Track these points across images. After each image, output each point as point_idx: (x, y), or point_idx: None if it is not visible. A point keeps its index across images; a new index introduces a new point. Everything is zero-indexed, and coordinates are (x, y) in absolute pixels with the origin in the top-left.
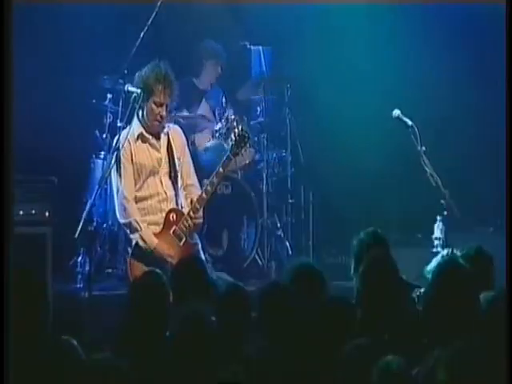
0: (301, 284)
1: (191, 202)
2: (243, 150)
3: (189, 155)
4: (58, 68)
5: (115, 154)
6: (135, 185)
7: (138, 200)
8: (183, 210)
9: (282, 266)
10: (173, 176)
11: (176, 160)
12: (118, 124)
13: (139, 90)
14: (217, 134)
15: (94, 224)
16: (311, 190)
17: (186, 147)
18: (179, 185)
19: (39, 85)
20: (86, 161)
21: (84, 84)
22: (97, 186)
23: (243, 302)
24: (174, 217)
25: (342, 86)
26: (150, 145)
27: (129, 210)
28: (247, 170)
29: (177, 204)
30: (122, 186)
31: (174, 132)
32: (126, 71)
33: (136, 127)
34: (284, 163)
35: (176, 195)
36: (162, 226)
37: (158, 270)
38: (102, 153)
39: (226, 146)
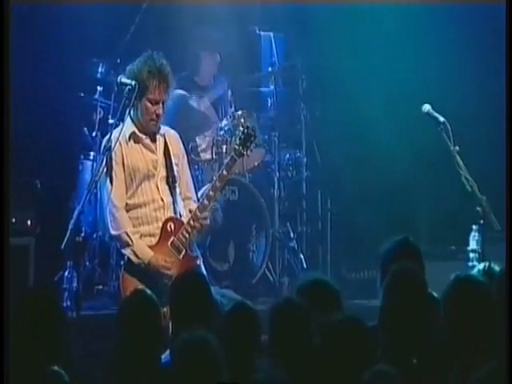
0: (313, 303)
1: (190, 211)
2: (249, 150)
3: (187, 165)
4: (38, 54)
5: (106, 154)
6: (127, 191)
7: (130, 208)
8: (182, 218)
9: (296, 282)
10: (170, 181)
11: (174, 166)
12: (110, 121)
13: (134, 82)
14: (221, 133)
15: (83, 234)
16: (329, 195)
17: (185, 156)
18: (177, 191)
19: (17, 74)
20: (74, 162)
21: (70, 74)
22: (86, 191)
23: (251, 323)
24: (172, 227)
25: (364, 78)
26: (144, 145)
27: (119, 221)
28: (256, 172)
29: (175, 212)
30: (111, 193)
31: (171, 135)
32: (118, 60)
33: (128, 126)
34: (298, 165)
35: (174, 202)
36: (158, 238)
37: (146, 289)
38: (92, 153)
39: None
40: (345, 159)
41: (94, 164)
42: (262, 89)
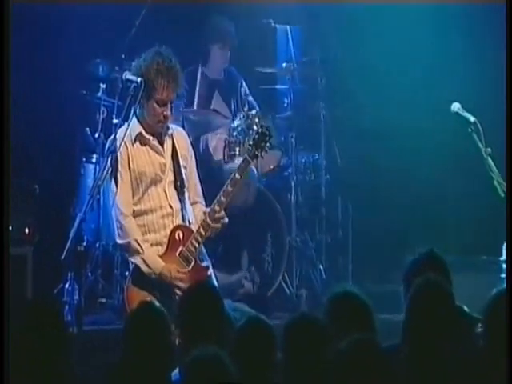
0: (343, 319)
1: (204, 213)
2: (264, 151)
3: (195, 167)
4: (37, 51)
5: (110, 156)
6: (133, 197)
7: (136, 215)
8: (191, 226)
9: (315, 295)
10: (179, 186)
11: (182, 168)
12: (114, 120)
13: (140, 79)
14: (234, 133)
15: (85, 243)
16: (350, 201)
17: (193, 157)
18: (186, 197)
19: (16, 71)
20: (75, 165)
21: (71, 72)
22: (88, 197)
23: (266, 339)
24: (181, 235)
25: (388, 75)
26: (152, 147)
27: (127, 228)
28: (272, 176)
29: (183, 219)
30: (117, 198)
31: (179, 135)
32: (123, 55)
33: (134, 127)
34: (317, 168)
35: (183, 209)
36: (165, 247)
37: (154, 301)
38: (94, 155)
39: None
40: (367, 162)
41: (97, 167)
42: (278, 86)
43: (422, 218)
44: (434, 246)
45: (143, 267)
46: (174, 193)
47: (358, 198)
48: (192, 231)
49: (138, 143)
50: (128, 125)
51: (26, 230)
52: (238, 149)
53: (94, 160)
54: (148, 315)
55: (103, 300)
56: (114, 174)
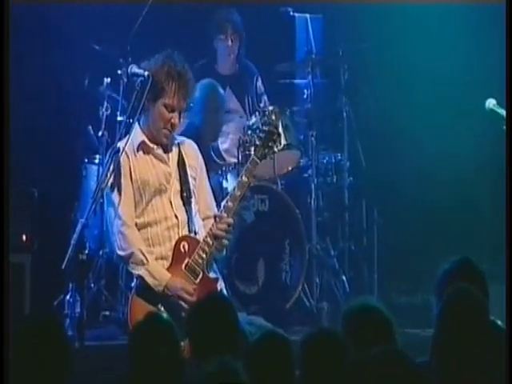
0: (361, 334)
1: (214, 220)
2: (272, 151)
3: (207, 179)
4: (36, 45)
5: (112, 166)
6: (136, 209)
7: (139, 227)
8: (197, 236)
9: (337, 308)
10: (185, 196)
11: (190, 179)
12: (119, 118)
13: (147, 73)
14: (249, 132)
15: (87, 251)
16: (376, 205)
17: (204, 168)
18: (193, 207)
19: (15, 66)
20: (76, 166)
21: (72, 66)
22: (90, 201)
23: (283, 355)
24: (186, 247)
25: (417, 68)
26: (155, 156)
27: (130, 239)
28: (290, 178)
29: (190, 231)
30: (119, 210)
31: (188, 147)
32: (128, 47)
33: (136, 135)
34: (339, 170)
35: (189, 220)
36: (170, 260)
37: (162, 313)
38: (97, 156)
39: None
40: (394, 163)
41: (100, 169)
42: (297, 80)
43: (455, 223)
44: (468, 254)
45: (148, 279)
46: (180, 203)
47: (384, 202)
48: (198, 242)
49: (140, 152)
50: (129, 135)
51: (24, 237)
52: (253, 149)
53: (96, 161)
54: (155, 327)
55: (107, 313)
56: (117, 181)
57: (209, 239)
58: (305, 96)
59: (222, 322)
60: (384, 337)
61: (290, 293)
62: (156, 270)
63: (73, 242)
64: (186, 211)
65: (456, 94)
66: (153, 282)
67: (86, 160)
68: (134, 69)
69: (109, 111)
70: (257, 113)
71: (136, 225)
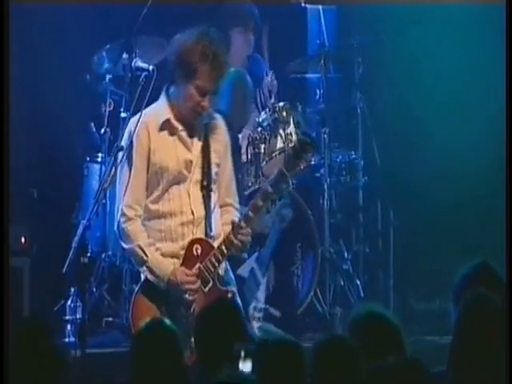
0: (368, 341)
1: (231, 224)
2: (304, 164)
3: (231, 161)
4: (37, 36)
5: (119, 154)
6: (151, 193)
7: (152, 216)
8: (214, 241)
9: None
10: (206, 188)
11: (213, 166)
12: (122, 114)
13: (151, 67)
14: (259, 129)
15: (89, 254)
16: (392, 206)
17: (229, 152)
18: (213, 202)
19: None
20: (78, 165)
21: (73, 58)
22: (92, 201)
23: (295, 362)
24: (199, 251)
25: (437, 62)
26: (180, 139)
27: (129, 232)
28: (302, 178)
29: (206, 231)
30: (125, 194)
31: (216, 125)
32: (132, 40)
33: (162, 110)
34: (353, 169)
35: (207, 217)
36: (181, 261)
37: (164, 319)
38: (100, 154)
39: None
40: (411, 161)
41: (103, 167)
42: (309, 75)
43: (475, 226)
44: (489, 257)
45: (150, 276)
46: (199, 195)
47: (400, 202)
48: (212, 247)
49: (165, 132)
50: (157, 105)
51: (23, 240)
52: (263, 146)
53: (99, 159)
54: (157, 334)
55: (110, 319)
56: (127, 163)
57: (224, 247)
58: (317, 91)
59: (231, 328)
60: (392, 345)
61: (301, 298)
62: (156, 265)
63: (74, 244)
64: (205, 206)
65: (478, 90)
66: (154, 279)
67: (88, 158)
68: (139, 63)
69: (112, 107)
70: (267, 109)
71: (150, 211)
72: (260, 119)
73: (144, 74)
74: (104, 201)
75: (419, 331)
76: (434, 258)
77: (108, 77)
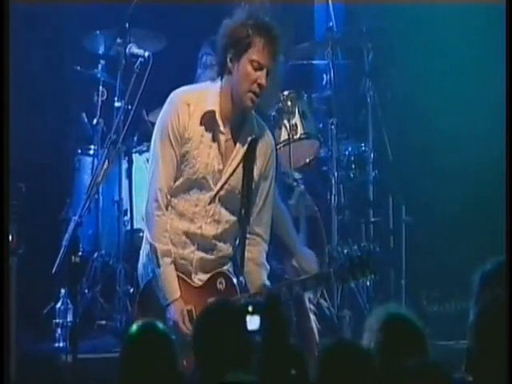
0: (388, 345)
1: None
2: (350, 281)
3: (273, 189)
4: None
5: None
6: (174, 182)
7: (166, 204)
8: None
9: (360, 317)
10: (229, 210)
11: (246, 188)
12: (116, 104)
13: (147, 53)
14: None
15: (80, 253)
16: (403, 202)
17: (273, 177)
18: (232, 227)
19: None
20: (68, 158)
21: (63, 44)
22: (84, 197)
23: (302, 367)
24: (223, 287)
25: (450, 49)
26: (217, 141)
27: (156, 226)
28: (308, 172)
29: (211, 253)
30: (157, 173)
31: (265, 141)
32: (127, 25)
33: (211, 96)
34: (363, 162)
35: (217, 239)
36: (201, 283)
37: (157, 322)
38: (92, 146)
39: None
40: (424, 155)
41: (95, 161)
42: (316, 62)
43: (491, 223)
44: (506, 257)
45: (155, 284)
46: (217, 213)
47: (412, 198)
48: (235, 293)
49: (203, 126)
50: (207, 86)
51: (9, 238)
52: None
53: (91, 152)
54: (149, 339)
55: (103, 322)
56: (161, 143)
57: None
58: (324, 79)
59: (230, 330)
60: (415, 350)
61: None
62: (166, 282)
63: (64, 242)
64: (224, 224)
65: (495, 80)
66: (157, 289)
67: (80, 151)
68: (133, 49)
69: (105, 97)
70: None
71: (172, 192)
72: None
73: (139, 60)
74: (96, 196)
75: (433, 336)
76: (448, 257)
77: (101, 63)
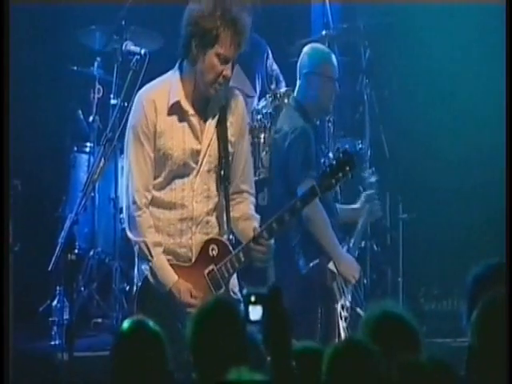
0: (382, 343)
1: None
2: (339, 183)
3: (248, 143)
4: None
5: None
6: (156, 178)
7: (154, 203)
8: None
9: (357, 315)
10: (216, 181)
11: (227, 154)
12: (112, 101)
13: (143, 50)
14: (258, 116)
15: (76, 250)
16: (401, 200)
17: (247, 130)
18: (223, 197)
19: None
20: (64, 156)
21: (59, 41)
22: (80, 194)
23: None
24: (215, 252)
25: (448, 46)
26: (189, 125)
27: (137, 224)
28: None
29: (208, 229)
30: (133, 179)
31: (235, 104)
32: (123, 22)
33: (173, 87)
34: (360, 160)
35: (212, 214)
36: (194, 259)
37: (145, 320)
38: (88, 144)
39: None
40: (421, 152)
41: (91, 158)
42: None
43: (489, 221)
44: (502, 255)
45: (151, 278)
46: (206, 189)
47: (410, 196)
48: (229, 252)
49: (173, 116)
50: (170, 78)
51: (9, 238)
52: (263, 136)
53: (87, 149)
54: (139, 337)
55: (99, 320)
56: (135, 144)
57: (241, 255)
58: None
59: (228, 329)
60: (408, 348)
61: None
62: (161, 270)
63: (60, 240)
64: (211, 201)
65: (495, 76)
66: (155, 282)
67: (76, 149)
68: (130, 46)
69: (101, 94)
70: (267, 95)
71: (152, 198)
72: (259, 106)
73: (136, 57)
74: (92, 194)
75: (430, 333)
76: (447, 254)
77: (97, 61)
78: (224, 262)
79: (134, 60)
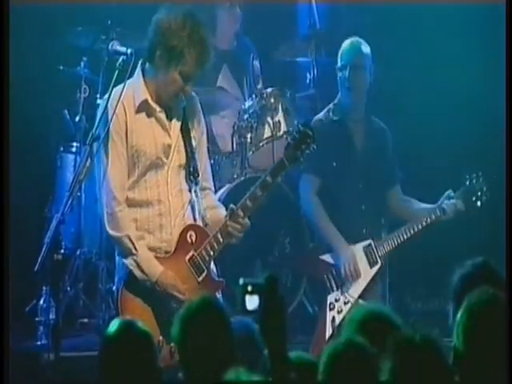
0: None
1: (229, 212)
2: (302, 157)
3: (205, 145)
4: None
5: (104, 120)
6: (128, 178)
7: (129, 204)
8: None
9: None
10: (187, 175)
11: (193, 150)
12: (98, 101)
13: (130, 50)
14: (245, 116)
15: (63, 250)
16: None
17: (205, 132)
18: (194, 189)
19: None
20: (50, 156)
21: (45, 41)
22: (66, 194)
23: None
24: (194, 238)
25: (437, 43)
26: (158, 121)
27: (119, 219)
28: (291, 169)
29: (186, 221)
30: (109, 176)
31: (194, 108)
32: (109, 21)
33: (139, 88)
34: None
35: (187, 206)
36: (173, 248)
37: (136, 321)
38: (74, 143)
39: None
40: (422, 153)
41: (78, 158)
42: (299, 59)
43: (477, 220)
44: (488, 256)
45: (136, 272)
46: (179, 183)
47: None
48: (207, 235)
49: (142, 114)
50: (132, 83)
51: (9, 238)
52: (249, 135)
53: (73, 149)
54: (128, 337)
55: (85, 320)
56: (106, 144)
57: (219, 236)
58: (307, 76)
59: (213, 327)
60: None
61: (290, 297)
62: (146, 262)
63: (46, 240)
64: (185, 193)
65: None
66: (141, 276)
67: (62, 148)
68: (116, 46)
69: (87, 93)
70: (254, 95)
71: (126, 199)
72: (246, 106)
73: (122, 57)
74: (79, 194)
75: (416, 333)
76: (434, 254)
77: (83, 60)
78: (203, 245)
79: (120, 60)
